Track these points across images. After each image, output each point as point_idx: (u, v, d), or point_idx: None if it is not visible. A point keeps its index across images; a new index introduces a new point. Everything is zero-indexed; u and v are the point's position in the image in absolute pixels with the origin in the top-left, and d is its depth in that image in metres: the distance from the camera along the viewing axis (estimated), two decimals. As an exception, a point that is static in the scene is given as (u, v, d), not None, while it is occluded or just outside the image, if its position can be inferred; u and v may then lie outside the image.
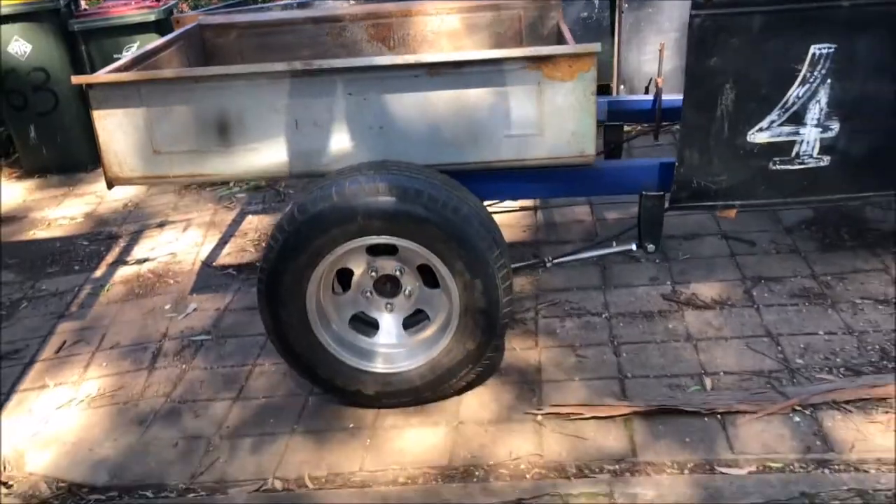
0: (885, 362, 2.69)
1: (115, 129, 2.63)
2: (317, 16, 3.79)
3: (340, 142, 2.64)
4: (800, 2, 2.44)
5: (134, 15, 5.13)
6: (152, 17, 5.18)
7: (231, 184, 4.94)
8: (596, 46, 2.53)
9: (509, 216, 4.10)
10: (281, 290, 2.52)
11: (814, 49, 2.49)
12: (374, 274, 2.65)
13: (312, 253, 2.48)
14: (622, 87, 3.78)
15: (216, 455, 2.64)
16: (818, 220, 3.66)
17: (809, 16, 2.45)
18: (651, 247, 2.94)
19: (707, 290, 3.23)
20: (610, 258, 3.52)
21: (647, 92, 4.72)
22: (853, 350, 2.77)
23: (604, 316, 3.15)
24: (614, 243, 3.11)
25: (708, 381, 2.70)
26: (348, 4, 4.81)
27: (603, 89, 4.67)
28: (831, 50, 2.49)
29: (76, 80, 2.63)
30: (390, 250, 2.60)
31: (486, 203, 2.81)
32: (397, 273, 2.65)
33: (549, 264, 3.08)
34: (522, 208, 4.19)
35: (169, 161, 2.70)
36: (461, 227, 2.45)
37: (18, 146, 5.61)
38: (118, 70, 2.73)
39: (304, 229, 2.45)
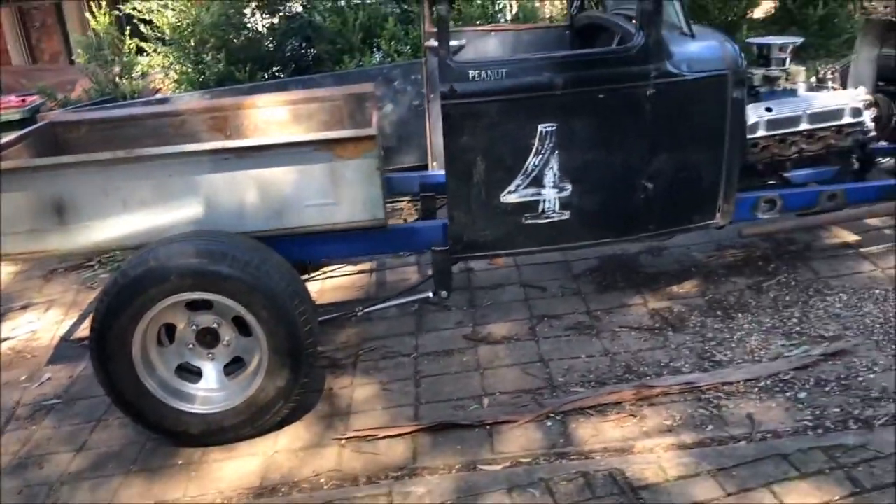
0: (627, 375, 3.29)
1: (-39, 214, 3.03)
2: (159, 111, 4.29)
3: (164, 216, 3.12)
4: (524, 91, 3.11)
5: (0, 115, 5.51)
6: (17, 116, 5.58)
7: (95, 266, 5.29)
8: (373, 131, 3.13)
9: (348, 279, 4.61)
10: (109, 345, 2.93)
11: (541, 127, 3.15)
12: (194, 327, 3.09)
13: (134, 310, 2.91)
14: (434, 163, 4.39)
15: (56, 497, 2.97)
16: (600, 267, 4.32)
17: (534, 101, 3.12)
18: (444, 293, 3.50)
19: (500, 328, 3.80)
20: (426, 308, 4.06)
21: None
22: (605, 368, 3.36)
23: (412, 356, 3.66)
24: (413, 293, 3.65)
25: (486, 401, 3.23)
26: (197, 99, 5.33)
27: (424, 167, 5.28)
28: (554, 127, 3.15)
29: (-76, 173, 3.03)
30: (208, 305, 3.06)
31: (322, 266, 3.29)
32: (215, 325, 3.10)
33: (359, 313, 3.59)
34: (361, 271, 4.71)
35: (13, 240, 3.10)
36: (263, 282, 2.94)
37: None
38: (-36, 164, 3.14)
39: (125, 291, 2.89)
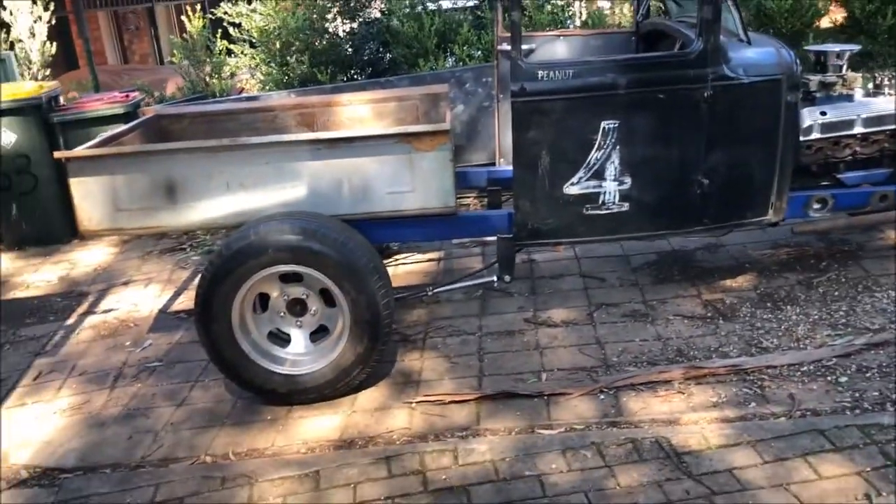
0: (678, 358, 3.53)
1: (87, 192, 3.47)
2: (253, 107, 4.71)
3: (261, 199, 3.50)
4: (589, 90, 3.39)
5: (104, 109, 6.03)
6: (121, 111, 6.08)
7: (187, 248, 5.76)
8: (447, 125, 3.45)
9: (418, 265, 4.95)
10: (211, 309, 3.32)
11: (604, 124, 3.42)
12: (286, 297, 3.46)
13: (234, 280, 3.29)
14: (501, 160, 4.68)
15: (161, 443, 3.38)
16: (658, 261, 4.56)
17: (597, 100, 3.40)
18: (507, 278, 3.80)
19: (559, 314, 4.07)
20: (490, 293, 4.37)
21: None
22: (657, 351, 3.61)
23: (476, 335, 3.96)
24: (479, 276, 3.96)
25: (544, 376, 3.51)
26: (286, 97, 5.76)
27: (492, 164, 5.57)
28: (617, 124, 3.42)
29: (58, 154, 3.49)
30: (298, 278, 3.42)
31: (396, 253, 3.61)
32: (304, 296, 3.46)
33: (430, 293, 3.92)
34: (430, 259, 5.04)
35: (128, 217, 3.53)
36: (347, 257, 3.29)
37: (2, 223, 6.39)
38: (90, 148, 3.59)
39: (227, 261, 3.27)
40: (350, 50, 7.74)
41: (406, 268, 4.95)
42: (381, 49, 7.67)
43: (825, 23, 7.68)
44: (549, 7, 7.06)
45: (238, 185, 3.49)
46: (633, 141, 3.45)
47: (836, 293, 3.90)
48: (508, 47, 4.40)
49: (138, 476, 3.13)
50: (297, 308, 3.49)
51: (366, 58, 7.66)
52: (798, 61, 3.59)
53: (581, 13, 8.29)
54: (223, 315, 3.34)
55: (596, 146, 3.45)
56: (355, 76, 7.71)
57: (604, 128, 3.42)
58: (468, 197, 5.78)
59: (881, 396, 3.05)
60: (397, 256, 5.10)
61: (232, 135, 4.61)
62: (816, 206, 3.83)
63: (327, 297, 3.45)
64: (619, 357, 3.59)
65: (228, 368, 3.45)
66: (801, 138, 3.80)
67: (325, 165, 3.47)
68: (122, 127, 4.24)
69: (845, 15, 7.39)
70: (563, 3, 7.69)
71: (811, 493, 2.58)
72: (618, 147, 3.45)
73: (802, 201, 3.80)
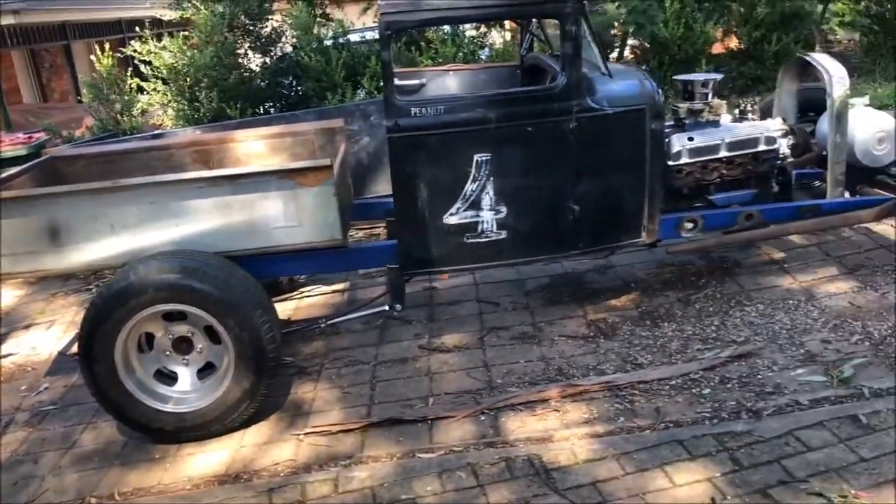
0: (558, 377, 3.67)
1: (-33, 237, 3.46)
2: (149, 146, 4.75)
3: (145, 239, 3.54)
4: (460, 125, 3.54)
5: (6, 151, 5.99)
6: (24, 152, 6.04)
7: (93, 289, 5.72)
8: (327, 161, 3.55)
9: (322, 297, 5.02)
10: (94, 350, 3.34)
11: (476, 156, 3.57)
12: (171, 336, 3.50)
13: (116, 320, 3.32)
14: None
15: (46, 487, 3.37)
16: (550, 284, 4.72)
17: (469, 134, 3.55)
18: (398, 307, 3.90)
19: (453, 339, 4.19)
20: (390, 322, 4.46)
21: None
22: (540, 371, 3.74)
23: (371, 364, 4.05)
24: (372, 306, 4.06)
25: (430, 400, 3.62)
26: (189, 133, 5.79)
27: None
28: (489, 157, 3.58)
29: (-65, 201, 3.48)
30: (183, 316, 3.47)
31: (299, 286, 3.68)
32: (189, 334, 3.51)
33: (323, 325, 4.00)
34: (334, 291, 5.12)
35: (13, 261, 3.53)
36: (229, 294, 3.35)
37: None
38: (-30, 194, 3.59)
39: (108, 302, 3.30)
40: (263, 84, 7.83)
41: (311, 300, 5.02)
42: (292, 83, 7.78)
43: (719, 48, 8.08)
44: (455, 40, 7.26)
45: (122, 226, 3.52)
46: (506, 172, 3.61)
47: (711, 308, 4.11)
48: (399, 82, 4.56)
49: (18, 522, 3.12)
50: (183, 346, 3.53)
51: (278, 91, 7.75)
52: (661, 91, 3.80)
53: (494, 44, 8.55)
54: (106, 356, 3.36)
55: (471, 178, 3.59)
56: (269, 109, 7.80)
57: (477, 160, 3.57)
58: (378, 226, 5.89)
59: (738, 406, 3.23)
60: (303, 289, 5.16)
61: (128, 175, 4.62)
62: (688, 226, 4.04)
63: (213, 335, 3.50)
64: (504, 379, 3.72)
65: (115, 409, 3.47)
66: (671, 163, 4.02)
67: (210, 203, 3.54)
68: (13, 170, 4.24)
69: (736, 42, 7.80)
70: (475, 35, 7.94)
71: (663, 501, 2.72)
72: (492, 178, 3.60)
73: (674, 223, 4.00)
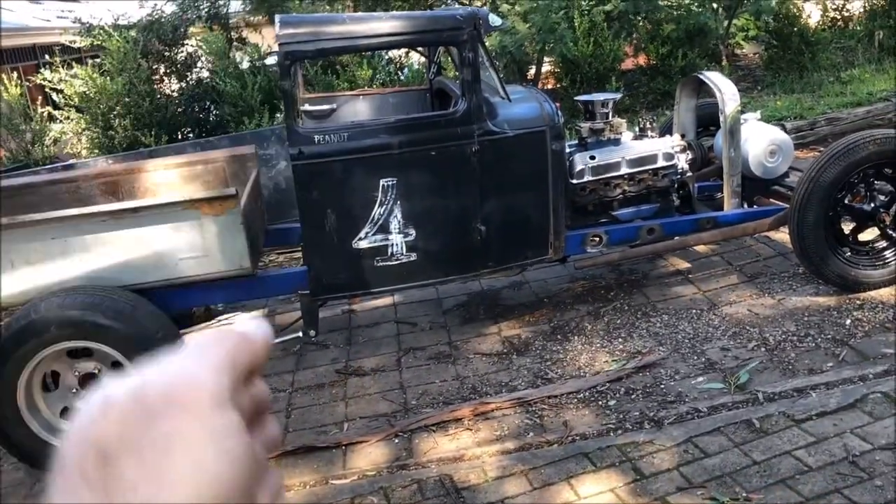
0: (472, 395, 3.73)
1: None
2: (55, 178, 4.65)
3: (49, 274, 3.47)
4: (364, 151, 3.58)
5: None
6: (-75, 186, 5.83)
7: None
8: (232, 190, 3.55)
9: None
10: (-5, 392, 3.27)
11: (382, 181, 3.62)
12: (77, 373, 3.44)
13: (17, 360, 3.25)
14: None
15: (-51, 536, 3.26)
16: (467, 302, 4.80)
17: (373, 160, 3.60)
18: (312, 333, 3.91)
19: (370, 362, 4.22)
20: (307, 347, 4.46)
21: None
22: (454, 390, 3.80)
23: (287, 391, 4.04)
24: (287, 332, 4.06)
25: (346, 425, 3.63)
26: (99, 164, 5.70)
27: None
28: (395, 181, 3.63)
29: None
30: (88, 353, 3.41)
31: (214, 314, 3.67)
32: (96, 371, 3.45)
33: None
34: (251, 317, 5.09)
35: None
36: (135, 328, 3.32)
37: None
38: None
39: (8, 342, 3.23)
40: (179, 110, 7.75)
41: (228, 327, 4.96)
42: (209, 108, 7.72)
43: (630, 64, 8.35)
44: (371, 63, 7.32)
45: (23, 262, 3.45)
46: (413, 196, 3.67)
47: (619, 321, 4.24)
48: (310, 107, 4.59)
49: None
50: (90, 383, 3.47)
51: (194, 117, 7.68)
52: (559, 113, 3.93)
53: (411, 66, 8.64)
54: (8, 398, 3.28)
55: (378, 202, 3.64)
56: (187, 135, 7.71)
57: (383, 185, 3.62)
58: (297, 252, 5.88)
59: (641, 416, 3.34)
60: (221, 317, 5.11)
61: (33, 209, 4.53)
62: (593, 241, 4.16)
63: (122, 370, 3.45)
64: (419, 399, 3.76)
65: (21, 453, 3.38)
66: (575, 181, 4.14)
67: (113, 236, 3.49)
68: None
69: (644, 58, 8.07)
70: (394, 56, 8.02)
71: (567, 514, 2.80)
72: (399, 202, 3.66)
73: (579, 239, 4.12)
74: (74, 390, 3.46)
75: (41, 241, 3.45)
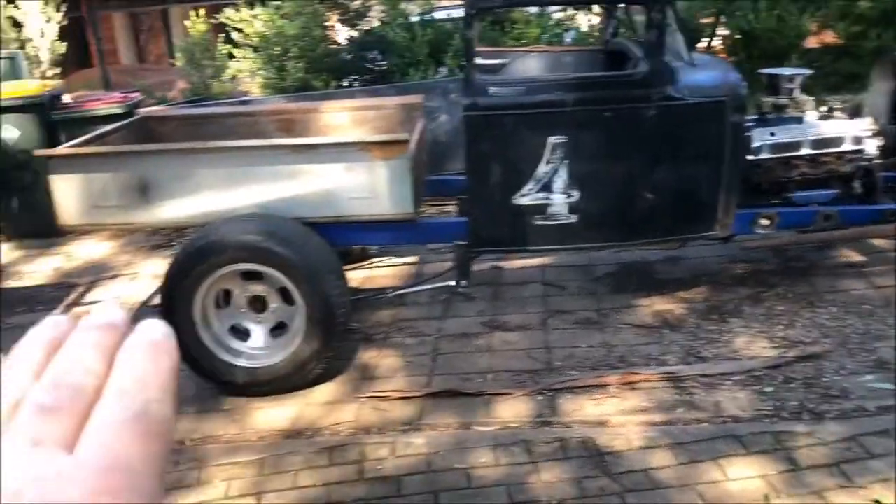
0: (619, 364, 3.69)
1: (65, 188, 3.68)
2: (236, 111, 4.92)
3: (228, 199, 3.69)
4: (537, 107, 3.56)
5: (103, 109, 6.27)
6: (119, 110, 6.30)
7: (175, 245, 5.98)
8: (405, 136, 3.63)
9: (392, 269, 5.14)
10: (174, 303, 3.52)
11: (551, 139, 3.59)
12: (247, 294, 3.66)
13: (196, 276, 3.49)
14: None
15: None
16: (619, 271, 4.71)
17: (545, 116, 3.57)
18: (464, 283, 3.97)
19: (515, 319, 4.24)
20: (454, 297, 4.54)
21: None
22: (601, 357, 3.77)
23: (434, 337, 4.14)
24: (438, 281, 4.14)
25: (489, 377, 3.68)
26: (275, 102, 5.97)
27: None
28: (564, 139, 3.59)
29: (38, 153, 3.71)
30: (259, 276, 3.61)
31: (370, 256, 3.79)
32: (265, 294, 3.66)
33: (390, 294, 4.10)
34: (404, 263, 5.23)
35: (104, 213, 3.74)
36: (305, 258, 3.48)
37: (3, 215, 6.65)
38: (69, 147, 3.81)
39: (190, 259, 3.47)
40: (349, 57, 7.96)
41: (380, 270, 5.13)
42: (378, 57, 7.88)
43: (813, 42, 7.81)
44: (538, 21, 7.23)
45: (207, 187, 3.68)
46: (580, 156, 3.62)
47: (780, 308, 4.04)
48: (482, 61, 4.60)
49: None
50: (257, 304, 3.68)
51: (363, 65, 7.87)
52: (744, 84, 3.74)
53: (583, 26, 8.47)
54: (185, 309, 3.53)
55: (544, 160, 3.62)
56: (353, 83, 7.93)
57: (552, 143, 3.59)
58: (449, 205, 5.97)
59: (800, 406, 3.19)
60: (373, 259, 5.28)
61: (215, 138, 4.80)
62: (763, 222, 3.97)
63: (286, 295, 3.63)
64: (564, 362, 3.76)
65: (190, 360, 3.64)
66: (751, 157, 3.95)
67: (290, 170, 3.66)
68: (108, 127, 4.46)
69: (832, 37, 7.52)
70: (562, 17, 7.88)
71: (715, 493, 2.73)
72: (565, 161, 3.62)
73: (749, 218, 3.94)
74: (243, 310, 3.69)
75: (225, 168, 3.66)
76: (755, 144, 3.96)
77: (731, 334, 3.85)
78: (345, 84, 7.70)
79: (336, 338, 3.60)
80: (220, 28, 8.49)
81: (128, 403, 0.39)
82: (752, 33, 7.06)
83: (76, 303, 5.15)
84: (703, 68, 3.73)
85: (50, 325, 0.43)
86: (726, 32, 8.50)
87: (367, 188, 3.67)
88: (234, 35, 8.03)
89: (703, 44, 8.68)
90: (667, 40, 3.55)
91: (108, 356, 0.41)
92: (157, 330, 0.44)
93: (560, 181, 3.65)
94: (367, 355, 4.00)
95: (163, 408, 0.40)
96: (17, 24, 8.69)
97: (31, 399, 0.38)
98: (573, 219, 3.73)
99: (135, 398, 0.39)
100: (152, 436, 0.38)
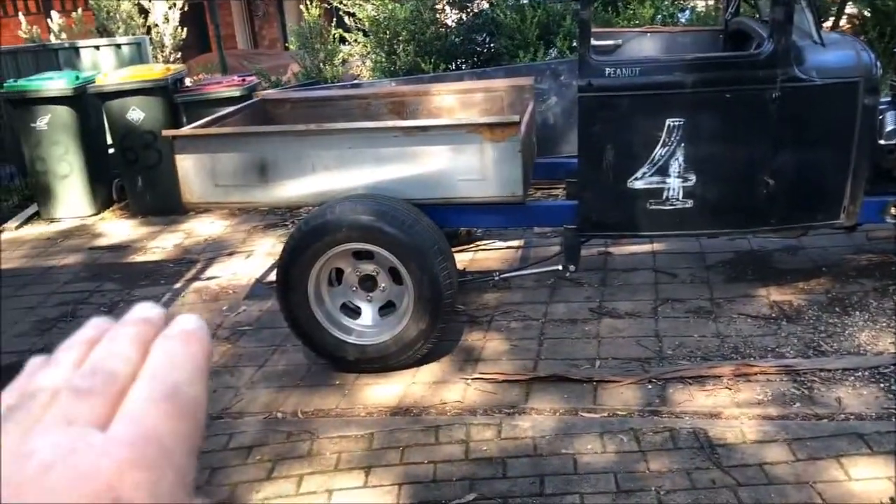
0: (733, 355, 3.57)
1: (189, 167, 3.86)
2: (349, 94, 5.02)
3: (342, 180, 3.78)
4: (654, 88, 3.47)
5: (223, 91, 6.53)
6: (238, 93, 6.55)
7: (289, 225, 6.18)
8: (515, 118, 3.61)
9: (497, 252, 5.15)
10: (290, 280, 3.64)
11: (669, 121, 3.49)
12: (358, 273, 3.74)
13: (311, 254, 3.59)
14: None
15: (241, 398, 3.74)
16: (733, 259, 4.56)
17: (663, 98, 3.48)
18: (572, 267, 3.93)
19: (624, 305, 4.17)
20: (561, 282, 4.51)
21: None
22: (714, 347, 3.66)
23: (540, 321, 4.12)
24: (545, 265, 4.11)
25: (597, 363, 3.64)
26: (386, 85, 6.05)
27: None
28: (682, 122, 3.49)
29: (165, 133, 3.89)
30: (370, 256, 3.69)
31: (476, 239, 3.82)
32: (375, 273, 3.73)
33: (497, 278, 4.10)
34: (509, 246, 5.22)
35: (224, 192, 3.90)
36: (414, 239, 3.52)
37: (128, 193, 7.04)
38: (194, 128, 3.98)
39: (305, 237, 3.58)
40: (457, 40, 7.97)
41: (486, 253, 5.15)
42: (487, 39, 7.86)
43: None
44: (654, 2, 7.03)
45: (322, 167, 3.78)
46: (699, 139, 3.50)
47: (911, 302, 3.81)
48: (596, 42, 4.51)
49: (216, 425, 3.49)
50: (367, 283, 3.76)
51: (471, 48, 7.87)
52: (878, 64, 3.52)
53: (696, 6, 8.19)
54: (300, 286, 3.65)
55: (661, 143, 3.52)
56: (461, 65, 7.94)
57: (669, 125, 3.49)
58: (557, 188, 5.91)
59: (932, 407, 3.01)
60: (479, 242, 5.30)
61: (329, 120, 4.92)
62: (893, 211, 3.75)
63: (396, 275, 3.69)
64: (675, 351, 3.67)
65: (304, 335, 3.76)
66: (882, 142, 3.73)
67: (401, 152, 3.71)
68: (228, 109, 4.64)
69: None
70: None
71: (836, 493, 2.61)
72: (683, 144, 3.51)
73: (878, 206, 3.72)
74: (354, 288, 3.77)
75: (339, 149, 3.74)
76: (888, 128, 3.73)
77: (854, 328, 3.66)
78: (453, 67, 7.72)
79: (443, 318, 3.63)
80: (333, 13, 8.66)
81: (158, 384, 0.40)
82: (883, 10, 6.63)
83: (195, 278, 5.40)
84: (834, 47, 3.53)
85: (92, 326, 0.46)
86: (853, 11, 8.04)
87: (477, 170, 3.67)
88: (346, 19, 8.18)
89: (828, 23, 8.23)
90: (794, 18, 3.37)
91: (144, 347, 0.43)
92: (191, 321, 0.46)
93: (676, 165, 3.55)
94: (473, 337, 4.02)
95: (193, 389, 0.41)
96: (143, 11, 9.14)
97: (68, 384, 0.40)
98: (689, 204, 3.62)
99: (165, 380, 0.41)
100: (183, 415, 0.40)
